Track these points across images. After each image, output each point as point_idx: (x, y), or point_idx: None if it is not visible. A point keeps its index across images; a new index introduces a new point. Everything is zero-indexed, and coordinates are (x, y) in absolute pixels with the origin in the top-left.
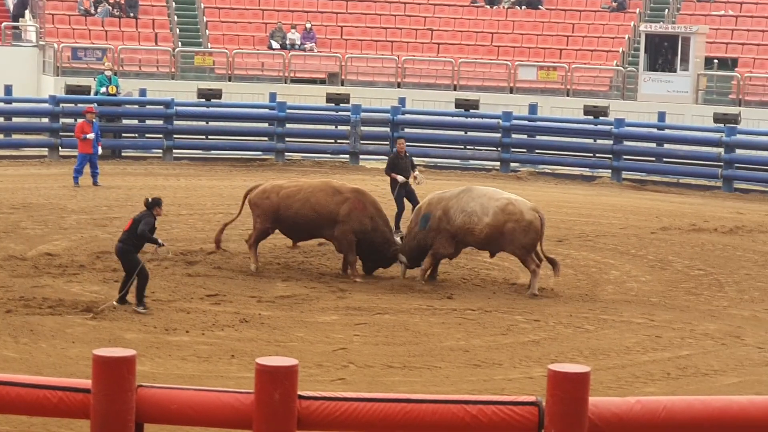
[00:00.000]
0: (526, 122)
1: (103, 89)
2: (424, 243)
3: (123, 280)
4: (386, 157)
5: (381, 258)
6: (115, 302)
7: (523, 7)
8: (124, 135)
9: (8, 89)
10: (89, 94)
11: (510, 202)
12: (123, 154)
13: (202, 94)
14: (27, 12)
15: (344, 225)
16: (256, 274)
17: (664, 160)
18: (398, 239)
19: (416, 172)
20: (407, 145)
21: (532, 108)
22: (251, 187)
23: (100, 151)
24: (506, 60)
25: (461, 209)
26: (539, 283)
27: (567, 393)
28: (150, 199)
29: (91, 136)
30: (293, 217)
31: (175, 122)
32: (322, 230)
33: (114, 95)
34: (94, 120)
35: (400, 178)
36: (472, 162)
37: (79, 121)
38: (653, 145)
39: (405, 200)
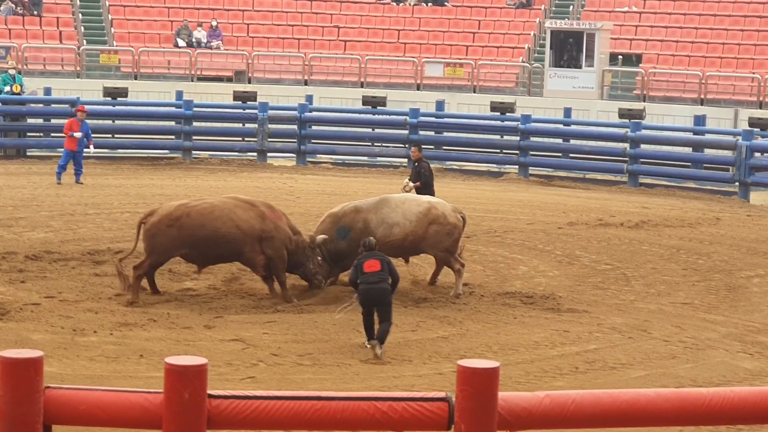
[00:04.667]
0: (433, 119)
1: (7, 88)
2: (341, 254)
3: (385, 328)
4: (294, 155)
5: None
6: (378, 350)
7: (429, 4)
8: (29, 134)
9: None
10: None
11: (432, 206)
12: (28, 153)
13: (107, 92)
14: None
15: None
16: (165, 272)
17: (571, 155)
18: None
19: (409, 181)
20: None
21: (439, 105)
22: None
23: (92, 150)
24: (413, 57)
25: (381, 221)
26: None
27: (476, 388)
28: (369, 240)
29: (78, 134)
30: None
31: None
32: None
33: (18, 94)
34: (83, 119)
35: (409, 185)
36: (379, 159)
37: (69, 119)
38: (559, 140)
39: None
